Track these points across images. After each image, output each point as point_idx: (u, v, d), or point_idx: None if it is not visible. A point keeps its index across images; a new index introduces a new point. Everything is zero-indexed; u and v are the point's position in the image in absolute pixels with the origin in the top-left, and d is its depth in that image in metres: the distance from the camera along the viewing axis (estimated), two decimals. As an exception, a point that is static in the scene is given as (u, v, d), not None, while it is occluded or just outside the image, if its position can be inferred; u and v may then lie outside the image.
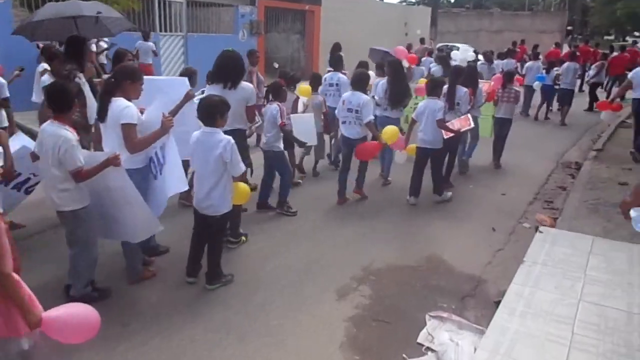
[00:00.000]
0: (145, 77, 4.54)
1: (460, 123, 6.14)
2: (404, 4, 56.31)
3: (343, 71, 7.52)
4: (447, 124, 5.90)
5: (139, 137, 3.70)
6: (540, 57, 13.37)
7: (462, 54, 13.13)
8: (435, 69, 10.32)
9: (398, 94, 6.39)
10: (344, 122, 5.84)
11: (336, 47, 10.94)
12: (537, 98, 12.56)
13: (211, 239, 4.04)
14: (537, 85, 12.03)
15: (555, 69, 12.02)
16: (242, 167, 3.89)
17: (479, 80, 7.30)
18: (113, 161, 3.46)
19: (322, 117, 6.70)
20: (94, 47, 9.50)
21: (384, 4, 21.76)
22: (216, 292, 3.98)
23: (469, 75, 6.70)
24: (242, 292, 4.01)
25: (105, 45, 9.95)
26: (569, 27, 37.02)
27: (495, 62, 13.32)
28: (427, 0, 61.20)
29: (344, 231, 5.28)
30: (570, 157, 8.80)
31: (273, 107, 5.39)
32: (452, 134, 5.97)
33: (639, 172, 7.26)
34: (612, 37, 44.71)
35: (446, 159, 6.44)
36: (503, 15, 35.06)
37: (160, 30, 12.62)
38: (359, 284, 4.20)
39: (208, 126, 3.83)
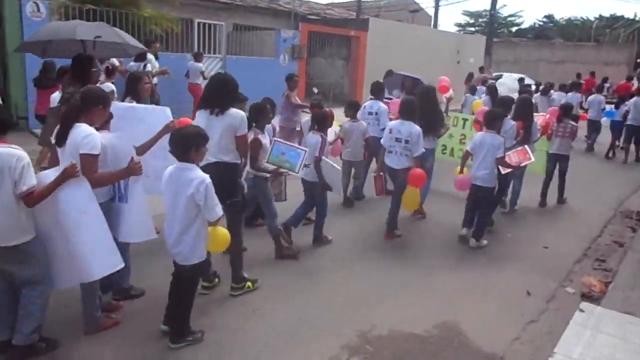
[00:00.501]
0: (124, 104, 4.13)
1: (519, 156, 5.64)
2: (461, 32, 55.46)
3: (385, 99, 7.20)
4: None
5: (99, 172, 3.24)
6: (606, 90, 12.37)
7: (507, 83, 12.27)
8: (485, 99, 9.68)
9: (431, 122, 5.93)
10: (390, 152, 5.51)
11: (389, 75, 11.13)
12: (606, 135, 11.63)
13: (179, 289, 3.48)
14: (605, 121, 11.38)
15: (626, 103, 11.18)
16: (218, 212, 3.32)
17: (534, 113, 6.81)
18: (71, 171, 3.04)
19: (364, 144, 6.48)
20: (149, 67, 9.44)
21: (435, 31, 21.07)
22: (181, 353, 3.40)
23: (521, 107, 6.32)
24: (211, 355, 3.40)
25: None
26: (639, 60, 34.82)
27: (556, 94, 12.49)
28: (484, 29, 60.84)
29: (350, 282, 4.59)
30: (631, 205, 7.70)
31: (315, 138, 5.10)
32: (509, 170, 5.61)
33: None
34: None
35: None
36: (565, 46, 33.47)
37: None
38: (350, 355, 3.49)
39: (181, 161, 3.31)
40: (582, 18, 65.26)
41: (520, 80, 18.10)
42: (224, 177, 3.88)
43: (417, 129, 5.31)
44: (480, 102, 9.17)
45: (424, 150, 5.44)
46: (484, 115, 5.68)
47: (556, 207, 7.45)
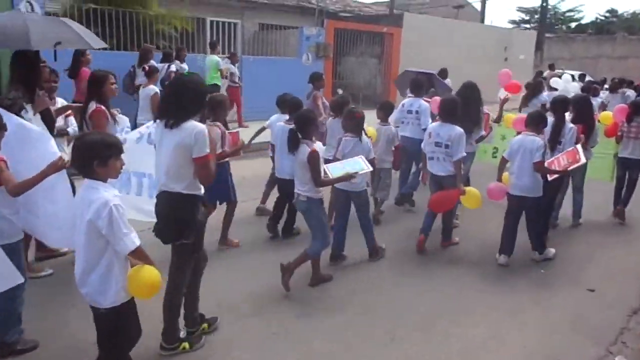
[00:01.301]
0: (17, 119, 3.25)
1: (568, 158, 4.89)
2: (514, 27, 52.62)
3: (426, 98, 6.55)
4: (548, 162, 4.82)
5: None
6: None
7: (564, 84, 10.82)
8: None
9: (469, 122, 5.36)
10: (431, 158, 5.04)
11: (443, 74, 10.68)
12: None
13: (98, 342, 2.67)
14: None
15: None
16: (131, 242, 2.45)
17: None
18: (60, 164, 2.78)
19: (393, 151, 5.85)
20: (172, 68, 8.90)
21: (479, 25, 19.48)
22: None
23: (580, 108, 5.61)
24: None
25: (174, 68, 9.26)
26: None
27: (630, 91, 11.19)
28: (536, 24, 57.66)
29: (350, 329, 3.56)
30: None
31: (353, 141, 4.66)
32: (556, 175, 4.91)
33: None
34: None
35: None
36: (628, 40, 30.62)
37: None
38: None
39: (85, 177, 2.51)
40: (648, 11, 61.11)
41: (581, 76, 16.35)
42: (173, 212, 3.03)
43: (458, 131, 4.84)
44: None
45: (465, 154, 4.94)
46: (527, 115, 5.00)
47: (615, 227, 6.21)
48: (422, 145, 5.17)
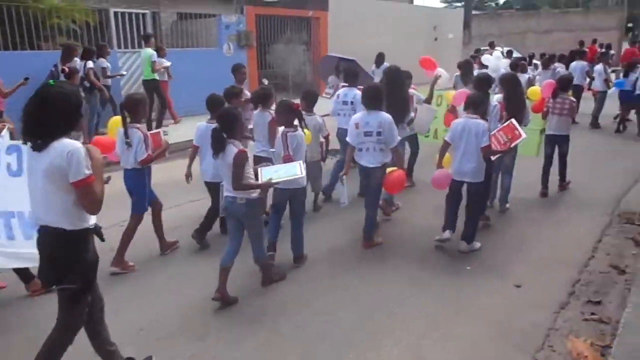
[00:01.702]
0: None
1: (506, 134, 4.77)
2: (445, 6, 53.30)
3: (359, 86, 6.17)
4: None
5: None
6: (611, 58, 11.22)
7: (495, 61, 10.68)
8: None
9: (399, 108, 5.33)
10: (360, 150, 4.77)
11: (380, 58, 10.84)
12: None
13: None
14: (613, 92, 10.65)
15: (636, 71, 10.21)
16: None
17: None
18: None
19: (321, 142, 5.56)
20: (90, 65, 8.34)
21: (406, 6, 19.23)
22: None
23: (508, 86, 5.48)
24: None
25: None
26: (629, 25, 33.03)
27: (559, 66, 11.34)
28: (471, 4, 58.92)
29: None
30: (632, 204, 6.09)
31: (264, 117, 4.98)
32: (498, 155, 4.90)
33: None
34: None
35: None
36: (552, 14, 31.64)
37: (120, 47, 10.83)
38: None
39: None
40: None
41: (509, 52, 16.52)
42: (53, 251, 2.52)
43: (387, 117, 4.66)
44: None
45: (399, 138, 4.83)
46: (466, 97, 4.89)
47: (545, 207, 6.06)
48: (349, 137, 4.85)
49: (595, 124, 10.92)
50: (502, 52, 14.37)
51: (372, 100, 4.70)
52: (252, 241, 3.97)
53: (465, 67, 8.09)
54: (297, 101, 5.02)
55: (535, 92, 6.91)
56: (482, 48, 19.51)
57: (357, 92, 6.00)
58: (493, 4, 60.65)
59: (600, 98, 10.98)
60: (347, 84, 6.38)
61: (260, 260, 4.07)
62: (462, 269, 4.44)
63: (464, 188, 4.79)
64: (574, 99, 6.66)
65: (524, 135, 4.70)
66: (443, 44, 20.59)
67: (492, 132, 4.76)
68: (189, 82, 10.63)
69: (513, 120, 4.84)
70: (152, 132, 4.59)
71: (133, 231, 4.42)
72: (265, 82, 11.36)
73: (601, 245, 4.96)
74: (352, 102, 6.11)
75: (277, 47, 15.42)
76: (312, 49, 15.67)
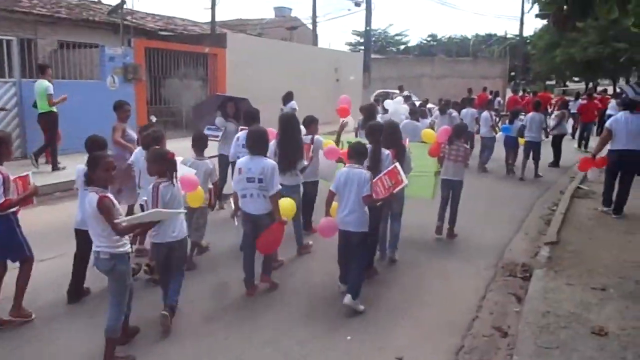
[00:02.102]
0: None
1: (390, 179, 4.66)
2: (350, 49, 55.59)
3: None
4: (372, 183, 4.53)
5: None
6: (497, 104, 11.97)
7: (394, 105, 10.77)
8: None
9: (291, 155, 5.39)
10: (244, 196, 4.64)
11: (288, 97, 11.11)
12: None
13: None
14: (500, 137, 11.04)
15: (521, 118, 10.88)
16: None
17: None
18: None
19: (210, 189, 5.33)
20: None
21: (308, 47, 19.46)
22: None
23: (388, 133, 5.42)
24: None
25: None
26: (512, 73, 36.44)
27: (450, 110, 11.62)
28: (374, 48, 62.15)
29: None
30: (515, 254, 6.12)
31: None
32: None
33: (616, 300, 4.55)
34: (553, 82, 44.83)
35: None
36: (445, 61, 34.09)
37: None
38: None
39: None
40: (461, 36, 70.06)
41: (407, 98, 17.12)
42: None
43: (269, 163, 4.58)
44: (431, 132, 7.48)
45: (280, 187, 4.63)
46: (348, 148, 4.88)
47: (436, 260, 5.84)
48: (233, 183, 4.81)
49: (483, 169, 11.32)
50: (403, 97, 14.97)
51: (256, 144, 4.60)
52: (110, 305, 3.51)
53: (368, 111, 7.95)
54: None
55: (429, 135, 7.09)
56: (385, 91, 20.32)
57: None
58: (394, 49, 64.65)
59: (488, 144, 11.38)
60: (246, 126, 6.05)
61: (110, 332, 3.45)
62: (341, 340, 3.98)
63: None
64: (468, 147, 6.86)
65: (405, 181, 4.64)
66: (344, 85, 21.01)
67: (379, 176, 4.70)
68: (70, 116, 9.54)
69: (397, 164, 4.75)
70: (20, 175, 4.24)
71: (27, 276, 4.11)
72: (153, 119, 10.58)
73: (485, 302, 4.79)
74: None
75: (172, 82, 14.71)
76: (209, 84, 15.08)
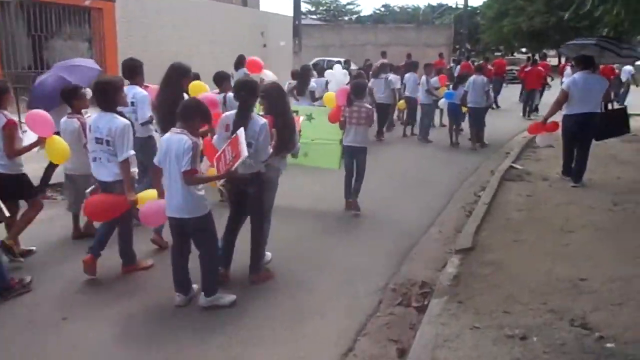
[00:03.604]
0: None
1: (232, 150, 3.49)
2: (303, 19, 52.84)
3: (145, 84, 5.28)
4: (216, 157, 3.65)
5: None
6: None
7: (335, 75, 9.25)
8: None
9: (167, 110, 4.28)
10: (94, 160, 4.04)
11: (240, 62, 9.72)
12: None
13: None
14: (442, 103, 10.29)
15: (464, 84, 9.83)
16: None
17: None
18: None
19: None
20: None
21: (223, 5, 17.16)
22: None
23: (271, 98, 4.19)
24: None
25: None
26: (457, 46, 35.19)
27: (392, 76, 10.74)
28: (326, 17, 59.91)
29: None
30: (417, 265, 4.48)
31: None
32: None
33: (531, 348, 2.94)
34: (501, 53, 44.18)
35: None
36: (388, 29, 32.45)
37: None
38: None
39: None
40: (414, 6, 68.62)
41: (346, 62, 16.05)
42: None
43: (120, 122, 3.91)
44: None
45: (131, 153, 3.93)
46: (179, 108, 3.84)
47: (317, 278, 4.11)
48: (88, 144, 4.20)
49: (425, 139, 10.39)
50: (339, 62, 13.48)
51: (103, 97, 3.97)
52: None
53: (303, 75, 8.09)
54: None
55: (330, 100, 6.34)
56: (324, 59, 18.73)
57: (137, 90, 5.01)
58: (346, 19, 62.56)
59: (425, 111, 10.42)
60: (129, 82, 5.11)
61: None
62: None
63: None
64: (370, 107, 6.02)
65: (245, 154, 3.42)
66: (272, 52, 18.88)
67: (222, 147, 3.66)
68: None
69: (240, 132, 3.54)
70: None
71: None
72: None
73: (369, 331, 3.14)
74: (132, 103, 4.89)
75: (55, 43, 12.32)
76: (95, 45, 12.67)
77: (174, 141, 3.43)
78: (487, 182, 6.99)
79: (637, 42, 13.42)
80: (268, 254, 4.38)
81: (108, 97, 3.95)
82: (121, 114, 4.07)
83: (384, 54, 15.86)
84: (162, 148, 3.53)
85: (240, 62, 9.76)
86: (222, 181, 4.25)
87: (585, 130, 6.53)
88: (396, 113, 12.11)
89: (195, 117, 3.54)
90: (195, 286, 3.78)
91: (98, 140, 3.96)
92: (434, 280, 4.05)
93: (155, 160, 3.61)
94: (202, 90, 5.15)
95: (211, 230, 3.67)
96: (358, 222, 5.62)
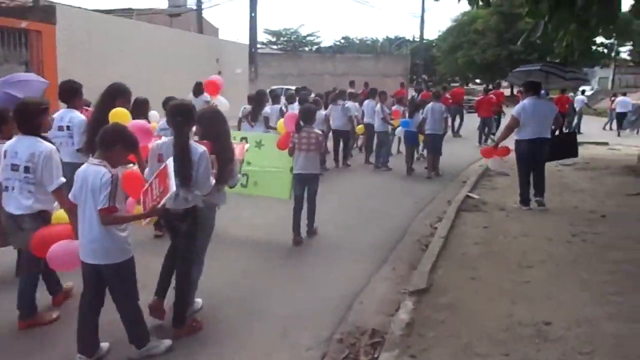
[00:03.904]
0: None
1: (159, 184, 3.08)
2: (264, 49, 52.87)
3: (87, 108, 5.05)
4: (143, 191, 3.21)
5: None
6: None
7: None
8: None
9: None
10: (6, 189, 3.53)
11: (198, 89, 9.19)
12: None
13: None
14: (399, 131, 10.10)
15: (421, 111, 9.77)
16: None
17: None
18: None
19: None
20: None
21: (175, 32, 16.72)
22: None
23: (207, 124, 3.73)
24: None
25: None
26: (414, 77, 35.91)
27: (350, 103, 10.44)
28: (286, 47, 60.22)
29: None
30: (367, 309, 4.02)
31: None
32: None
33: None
34: (457, 84, 45.51)
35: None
36: (347, 59, 32.81)
37: None
38: None
39: None
40: (373, 38, 70.29)
41: (303, 88, 15.70)
42: None
43: (44, 147, 3.44)
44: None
45: (62, 180, 3.44)
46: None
47: (264, 319, 3.54)
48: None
49: (385, 166, 10.21)
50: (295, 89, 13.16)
51: (23, 121, 3.52)
52: None
53: (257, 100, 8.13)
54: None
55: (281, 125, 6.00)
56: (282, 87, 18.56)
57: (74, 114, 4.82)
58: (306, 49, 63.21)
59: (382, 139, 10.19)
60: (66, 105, 4.91)
61: None
62: None
63: None
64: (320, 132, 5.80)
65: (173, 188, 3.02)
66: (228, 79, 18.46)
67: (150, 180, 3.23)
68: None
69: (169, 162, 3.14)
70: None
71: None
72: None
73: None
74: (68, 127, 4.78)
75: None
76: (34, 69, 11.91)
77: (90, 173, 2.99)
78: (443, 213, 6.70)
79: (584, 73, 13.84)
80: (198, 301, 3.85)
81: (30, 119, 3.49)
82: (46, 139, 3.54)
83: (352, 84, 15.51)
84: (77, 181, 3.05)
85: (199, 89, 9.21)
86: (146, 220, 3.68)
87: (538, 154, 6.60)
88: (359, 141, 12.00)
89: (117, 145, 3.04)
90: (104, 345, 3.19)
91: (14, 167, 3.45)
92: (386, 328, 3.60)
93: (70, 195, 3.12)
94: (123, 117, 4.58)
95: (132, 280, 3.14)
96: (305, 258, 5.15)
